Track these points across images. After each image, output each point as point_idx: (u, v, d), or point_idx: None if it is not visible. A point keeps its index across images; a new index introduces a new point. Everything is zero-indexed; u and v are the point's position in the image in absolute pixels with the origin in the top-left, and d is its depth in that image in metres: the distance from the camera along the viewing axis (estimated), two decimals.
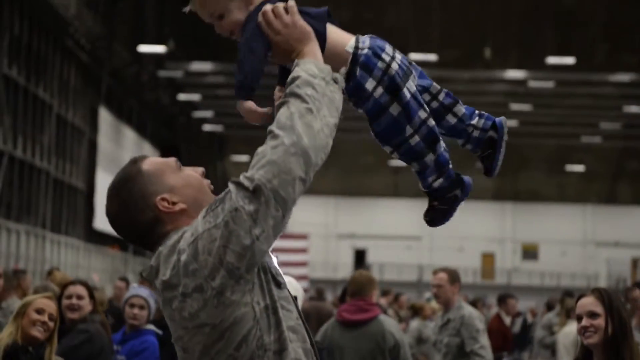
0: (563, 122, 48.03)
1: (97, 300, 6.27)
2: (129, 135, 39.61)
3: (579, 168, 54.64)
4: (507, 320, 12.89)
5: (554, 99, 45.13)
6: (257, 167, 2.41)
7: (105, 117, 35.41)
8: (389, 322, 6.66)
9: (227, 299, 2.42)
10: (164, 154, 44.94)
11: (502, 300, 13.36)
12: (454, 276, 7.37)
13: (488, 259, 55.69)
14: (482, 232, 54.98)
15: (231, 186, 2.43)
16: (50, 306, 5.03)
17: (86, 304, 6.05)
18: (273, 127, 2.46)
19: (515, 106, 45.59)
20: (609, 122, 48.39)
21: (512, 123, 47.83)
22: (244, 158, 55.01)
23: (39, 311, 4.97)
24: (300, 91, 2.49)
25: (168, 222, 2.61)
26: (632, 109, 45.11)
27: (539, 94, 44.27)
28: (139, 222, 2.63)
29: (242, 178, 2.42)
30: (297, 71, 2.55)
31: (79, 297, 6.00)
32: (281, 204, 2.41)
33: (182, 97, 46.24)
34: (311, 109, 2.46)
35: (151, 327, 6.50)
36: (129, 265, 38.66)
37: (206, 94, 46.15)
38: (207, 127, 51.59)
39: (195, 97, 46.30)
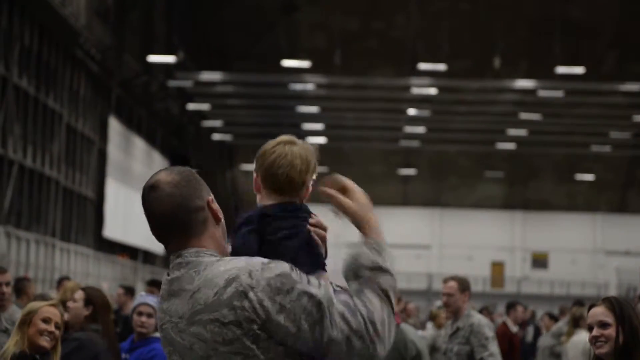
0: (572, 131, 47.96)
1: (101, 309, 6.25)
2: (139, 144, 39.70)
3: (589, 177, 54.51)
4: (515, 328, 12.83)
5: (563, 109, 45.08)
6: (342, 325, 2.51)
7: (114, 126, 35.50)
8: (410, 331, 6.63)
9: (262, 341, 2.51)
10: (174, 163, 45.03)
11: (511, 307, 13.32)
12: (464, 285, 7.36)
13: (497, 267, 55.57)
14: (491, 240, 54.88)
15: (313, 303, 2.52)
16: (56, 314, 5.04)
17: (77, 308, 6.11)
18: (365, 314, 2.56)
19: (524, 115, 45.55)
20: (619, 131, 48.31)
21: (521, 132, 47.81)
22: (253, 167, 54.95)
23: (46, 320, 4.98)
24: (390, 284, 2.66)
25: (206, 223, 2.69)
26: None
27: (548, 104, 44.22)
28: (190, 204, 2.66)
29: (329, 309, 2.51)
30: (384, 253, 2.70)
31: (74, 300, 6.16)
32: None
33: (192, 106, 46.34)
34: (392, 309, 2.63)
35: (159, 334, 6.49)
36: (139, 273, 38.71)
37: (215, 104, 46.23)
38: (216, 137, 51.68)
39: (204, 106, 46.39)
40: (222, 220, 2.76)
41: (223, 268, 2.56)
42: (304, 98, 45.14)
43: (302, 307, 2.48)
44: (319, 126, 48.12)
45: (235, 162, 56.29)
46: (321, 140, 50.23)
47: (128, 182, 37.34)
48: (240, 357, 2.50)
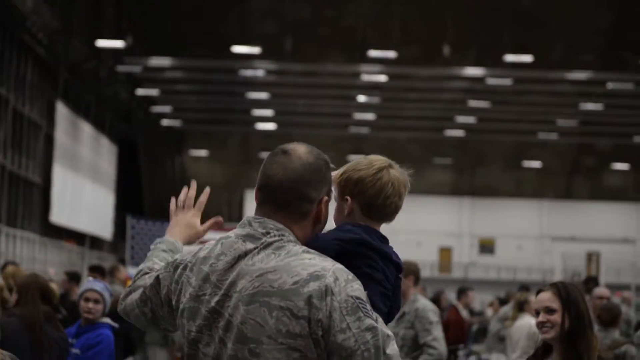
0: (520, 119, 48.39)
1: (22, 293, 6.09)
2: (87, 130, 39.27)
3: (536, 164, 55.10)
4: (464, 312, 12.95)
5: (511, 96, 45.45)
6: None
7: (62, 111, 35.07)
8: None
9: (321, 348, 2.44)
10: (122, 149, 44.63)
11: (462, 292, 13.40)
12: (409, 269, 7.41)
13: (445, 253, 55.98)
14: (439, 226, 55.25)
15: (374, 344, 2.46)
16: None
17: (14, 294, 6.11)
18: None
19: (473, 103, 45.85)
20: (566, 119, 48.84)
21: (470, 120, 48.14)
22: (202, 153, 54.75)
23: None
24: None
25: (307, 216, 2.58)
26: (589, 106, 45.58)
27: (496, 91, 44.55)
28: (305, 190, 2.56)
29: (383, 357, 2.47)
30: None
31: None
32: None
33: (141, 92, 45.94)
34: None
35: (107, 320, 6.46)
36: (85, 259, 38.34)
37: (165, 89, 45.87)
38: (165, 122, 51.29)
39: (153, 92, 46.00)
40: (322, 225, 2.64)
41: (308, 261, 2.46)
42: (254, 84, 44.97)
43: (364, 340, 2.41)
44: (268, 112, 48.00)
45: (184, 148, 55.96)
46: (271, 126, 50.12)
47: (75, 167, 36.94)
48: (298, 355, 2.42)
